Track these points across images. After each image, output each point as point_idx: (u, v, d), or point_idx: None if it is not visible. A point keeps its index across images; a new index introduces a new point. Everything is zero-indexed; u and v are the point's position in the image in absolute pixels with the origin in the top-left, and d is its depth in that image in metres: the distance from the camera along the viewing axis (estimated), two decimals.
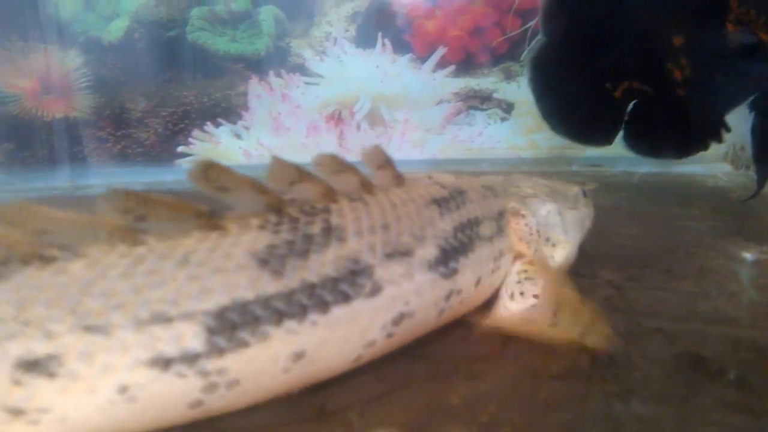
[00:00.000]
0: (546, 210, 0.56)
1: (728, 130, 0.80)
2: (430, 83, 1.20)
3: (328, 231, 0.41)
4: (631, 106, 0.82)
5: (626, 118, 0.84)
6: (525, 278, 0.52)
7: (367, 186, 0.44)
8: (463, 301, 0.47)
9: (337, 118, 1.23)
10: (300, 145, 1.24)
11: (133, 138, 1.24)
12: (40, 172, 1.23)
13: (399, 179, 0.47)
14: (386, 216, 0.44)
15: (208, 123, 1.23)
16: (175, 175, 1.22)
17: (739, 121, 1.12)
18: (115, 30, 1.18)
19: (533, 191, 0.58)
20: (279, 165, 0.40)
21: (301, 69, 1.22)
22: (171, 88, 1.22)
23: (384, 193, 0.45)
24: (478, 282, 0.48)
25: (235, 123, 1.23)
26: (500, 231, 0.51)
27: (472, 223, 0.49)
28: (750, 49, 0.69)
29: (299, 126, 1.23)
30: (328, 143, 1.23)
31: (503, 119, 1.18)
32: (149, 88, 1.22)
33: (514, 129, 1.17)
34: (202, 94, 1.23)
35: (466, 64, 1.19)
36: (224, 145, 1.24)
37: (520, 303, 0.50)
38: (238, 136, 1.24)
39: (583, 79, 0.81)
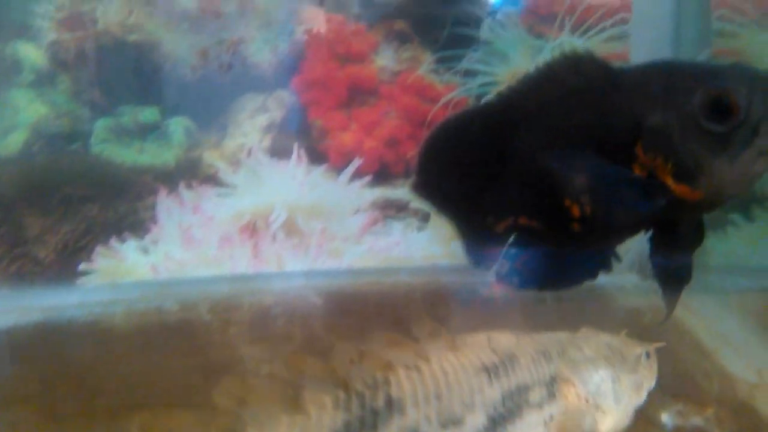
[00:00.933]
0: (599, 377, 0.58)
1: (619, 260, 0.80)
2: (346, 193, 1.19)
3: (390, 404, 0.47)
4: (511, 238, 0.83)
5: (506, 250, 0.84)
6: None
7: (422, 354, 0.50)
8: None
9: (251, 230, 1.20)
10: (212, 258, 1.20)
11: (31, 257, 1.17)
12: None
13: (452, 344, 0.53)
14: (439, 385, 0.49)
15: (113, 238, 1.18)
16: (77, 295, 1.16)
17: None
18: (13, 143, 1.14)
19: (591, 354, 0.59)
20: (341, 348, 0.48)
21: (214, 180, 1.19)
22: (73, 202, 1.17)
23: (438, 361, 0.50)
24: None
25: (142, 237, 1.19)
26: (551, 396, 0.54)
27: (521, 390, 0.53)
28: (654, 192, 0.70)
29: (211, 238, 1.19)
30: (241, 255, 1.20)
31: (420, 228, 1.18)
32: (49, 202, 1.17)
33: (431, 238, 1.17)
34: (106, 208, 1.18)
35: (382, 175, 1.19)
36: (130, 261, 1.18)
37: None
38: (146, 251, 1.19)
39: (461, 214, 0.82)
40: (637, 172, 0.73)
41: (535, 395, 0.54)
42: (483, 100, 1.14)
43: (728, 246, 1.18)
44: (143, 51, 1.13)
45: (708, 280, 1.14)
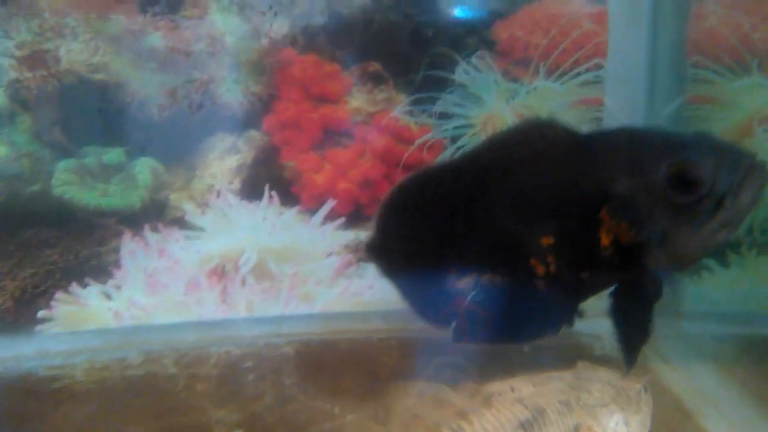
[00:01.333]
0: (614, 422, 0.64)
1: (581, 315, 0.82)
2: (319, 236, 1.17)
3: None
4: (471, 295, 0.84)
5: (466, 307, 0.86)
6: None
7: (463, 415, 0.56)
8: None
9: (220, 273, 1.17)
10: (178, 303, 1.16)
11: None
12: None
13: (486, 400, 0.60)
14: None
15: (74, 283, 1.14)
16: (36, 344, 1.11)
17: None
18: None
19: (602, 397, 0.65)
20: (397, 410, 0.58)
21: (181, 223, 1.16)
22: (32, 246, 1.13)
23: (479, 420, 0.56)
24: None
25: (104, 282, 1.15)
26: None
27: None
28: (619, 255, 0.72)
29: (178, 283, 1.15)
30: (209, 301, 1.16)
31: None
32: (6, 247, 1.12)
33: None
34: (67, 252, 1.14)
35: (355, 217, 1.17)
36: (92, 307, 1.14)
37: None
38: (108, 297, 1.15)
39: (421, 273, 0.84)
40: (603, 236, 0.74)
41: None
42: (454, 150, 1.15)
43: (703, 292, 1.19)
44: (109, 90, 1.10)
45: (683, 326, 1.15)
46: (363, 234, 1.16)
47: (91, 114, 1.12)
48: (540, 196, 0.77)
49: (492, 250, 0.81)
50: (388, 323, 1.14)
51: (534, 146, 0.77)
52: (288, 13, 1.12)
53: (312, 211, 1.17)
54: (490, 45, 1.12)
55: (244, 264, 1.16)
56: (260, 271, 1.16)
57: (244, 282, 1.16)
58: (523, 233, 0.79)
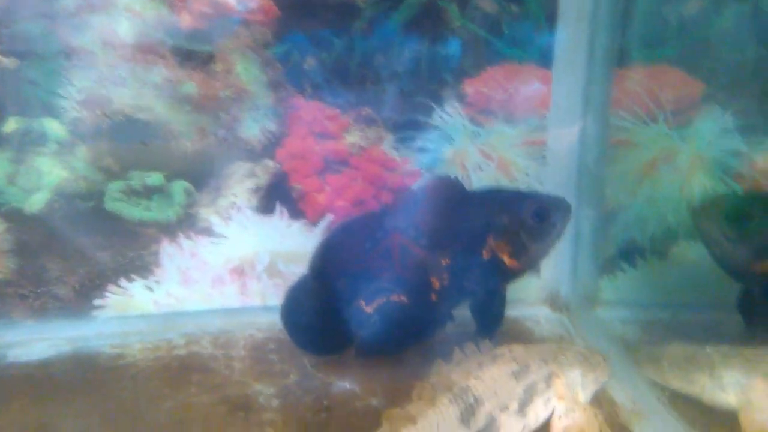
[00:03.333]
0: (574, 374, 0.98)
1: (453, 320, 1.21)
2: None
3: (476, 399, 0.86)
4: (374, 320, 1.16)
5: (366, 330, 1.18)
6: (564, 407, 0.95)
7: (470, 373, 0.89)
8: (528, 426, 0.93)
9: (240, 271, 1.50)
10: (206, 295, 1.49)
11: (52, 294, 1.44)
12: None
13: (493, 358, 0.94)
14: (494, 386, 0.88)
15: (123, 279, 1.46)
16: (94, 326, 1.43)
17: (553, 265, 1.53)
18: (37, 201, 1.39)
19: (571, 358, 1.00)
20: (438, 372, 0.90)
21: (209, 231, 1.48)
22: (88, 249, 1.44)
23: (488, 371, 0.89)
24: (536, 415, 0.93)
25: (147, 278, 1.47)
26: (548, 386, 0.94)
27: (533, 384, 0.92)
28: (497, 270, 1.12)
29: (205, 279, 1.48)
30: (231, 293, 1.50)
31: None
32: (68, 250, 1.43)
33: None
34: (117, 254, 1.45)
35: None
36: (137, 298, 1.46)
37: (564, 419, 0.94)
38: (150, 289, 1.47)
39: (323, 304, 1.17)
40: (486, 253, 1.13)
41: (541, 386, 0.94)
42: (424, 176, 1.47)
43: (616, 285, 1.57)
44: (151, 127, 1.40)
45: (599, 314, 1.54)
46: None
47: (137, 146, 1.41)
48: (443, 230, 1.16)
49: (401, 274, 1.17)
50: None
51: (441, 196, 1.16)
52: (299, 68, 1.42)
53: (314, 223, 1.49)
54: (460, 97, 1.45)
55: (259, 264, 1.49)
56: (272, 270, 1.49)
57: (259, 278, 1.49)
58: (427, 258, 1.16)
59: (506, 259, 1.14)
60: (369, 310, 1.15)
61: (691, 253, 1.49)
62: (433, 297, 1.15)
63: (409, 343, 1.20)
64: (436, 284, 1.17)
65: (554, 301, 1.56)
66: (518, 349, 1.01)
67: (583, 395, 1.01)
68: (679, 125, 1.46)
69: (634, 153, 1.49)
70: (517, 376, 0.94)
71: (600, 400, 1.10)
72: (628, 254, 1.54)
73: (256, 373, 1.23)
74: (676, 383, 1.11)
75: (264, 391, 1.16)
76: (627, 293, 1.56)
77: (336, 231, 1.24)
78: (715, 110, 1.46)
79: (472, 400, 0.88)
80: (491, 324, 1.20)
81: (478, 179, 1.46)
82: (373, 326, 1.15)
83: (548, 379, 0.97)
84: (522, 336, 1.42)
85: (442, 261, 1.15)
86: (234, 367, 1.26)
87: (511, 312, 1.48)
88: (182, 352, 1.34)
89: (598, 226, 1.53)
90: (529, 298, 1.55)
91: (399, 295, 1.15)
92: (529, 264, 1.20)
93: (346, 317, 1.15)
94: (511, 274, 1.17)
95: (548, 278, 1.56)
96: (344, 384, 1.17)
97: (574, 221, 1.46)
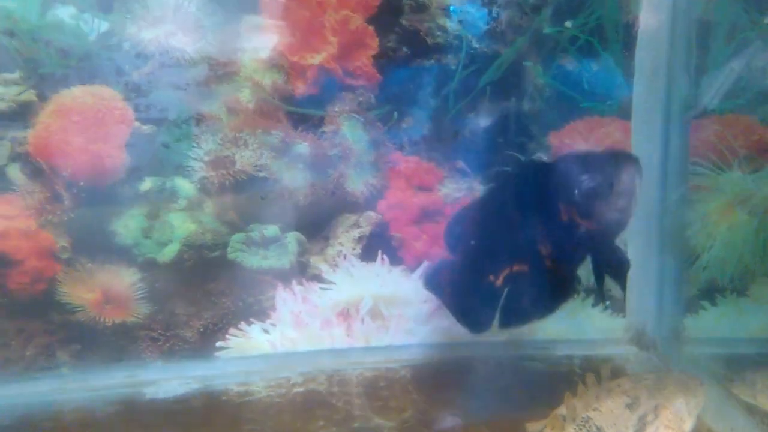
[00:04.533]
0: (679, 402, 1.08)
1: (580, 282, 1.28)
2: (418, 287, 1.64)
3: (597, 428, 0.98)
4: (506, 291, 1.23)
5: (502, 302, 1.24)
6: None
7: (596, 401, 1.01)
8: None
9: (345, 314, 1.65)
10: (316, 337, 1.64)
11: (180, 336, 1.61)
12: (102, 368, 1.57)
13: (608, 391, 1.04)
14: (612, 416, 0.99)
15: (242, 322, 1.62)
16: (218, 366, 1.59)
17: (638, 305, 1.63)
18: (169, 253, 1.57)
19: (673, 387, 1.10)
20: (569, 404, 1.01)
21: (318, 278, 1.64)
22: (212, 295, 1.61)
23: (606, 403, 1.00)
24: None
25: (264, 321, 1.63)
26: (657, 416, 1.04)
27: (643, 415, 1.03)
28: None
29: (315, 322, 1.63)
30: (338, 334, 1.65)
31: None
32: (194, 296, 1.61)
33: None
34: (237, 299, 1.62)
35: None
36: (255, 339, 1.62)
37: None
38: (266, 332, 1.63)
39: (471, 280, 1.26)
40: (564, 216, 1.15)
41: (650, 417, 1.04)
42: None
43: (700, 323, 1.66)
44: (269, 184, 1.58)
45: (686, 350, 1.63)
46: None
47: (256, 201, 1.60)
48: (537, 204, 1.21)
49: (512, 247, 1.22)
50: (472, 351, 1.61)
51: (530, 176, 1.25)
52: (398, 127, 1.59)
53: (412, 269, 1.64)
54: (545, 149, 1.59)
55: (362, 307, 1.64)
56: (374, 313, 1.63)
57: (363, 321, 1.64)
58: (530, 231, 1.20)
59: (584, 223, 1.17)
60: (498, 283, 1.24)
61: None
62: (548, 263, 1.21)
63: (544, 308, 1.27)
64: (544, 251, 1.21)
65: (641, 340, 1.65)
66: (626, 383, 1.11)
67: (689, 423, 1.12)
68: (752, 170, 1.56)
69: (711, 198, 1.59)
70: (630, 407, 1.05)
71: (699, 430, 1.20)
72: (709, 293, 1.63)
73: (374, 408, 1.35)
74: None
75: (386, 424, 1.29)
76: (710, 330, 1.64)
77: (461, 210, 1.34)
78: None
79: (594, 430, 1.00)
80: (617, 274, 1.23)
81: None
82: (506, 298, 1.22)
83: (656, 410, 1.07)
84: (615, 373, 1.51)
85: (540, 229, 1.21)
86: (353, 402, 1.39)
87: (601, 351, 1.58)
88: (301, 389, 1.47)
89: (681, 267, 1.63)
90: (616, 337, 1.65)
91: (520, 264, 1.22)
92: (610, 224, 1.19)
93: (481, 293, 1.24)
94: (603, 231, 1.19)
95: (634, 318, 1.66)
96: (457, 418, 1.30)
97: (658, 262, 1.56)
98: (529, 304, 1.25)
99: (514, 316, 1.26)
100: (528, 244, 1.20)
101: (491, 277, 1.23)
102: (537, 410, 1.17)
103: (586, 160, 1.19)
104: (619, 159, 1.17)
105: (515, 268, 1.22)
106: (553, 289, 1.25)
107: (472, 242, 1.28)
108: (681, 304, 1.66)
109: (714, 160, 1.57)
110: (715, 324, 1.64)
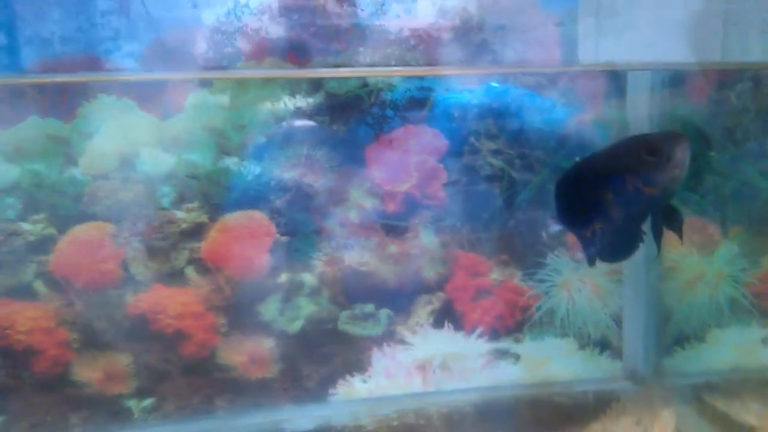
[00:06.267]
0: (664, 414, 1.44)
1: (644, 232, 1.54)
2: (475, 345, 2.30)
3: None
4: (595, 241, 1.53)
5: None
6: None
7: None
8: None
9: (423, 368, 2.28)
10: (402, 385, 2.27)
11: (303, 386, 2.22)
12: (249, 412, 2.19)
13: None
14: None
15: (347, 375, 2.24)
16: (331, 408, 2.21)
17: (632, 349, 2.32)
18: (296, 326, 2.19)
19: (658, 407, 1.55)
20: None
21: (402, 342, 2.27)
22: (327, 356, 2.24)
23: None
24: None
25: (363, 374, 2.24)
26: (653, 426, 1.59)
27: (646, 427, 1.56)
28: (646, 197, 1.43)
29: (401, 373, 2.25)
30: (417, 382, 2.28)
31: (514, 362, 2.30)
32: (314, 357, 2.23)
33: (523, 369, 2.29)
34: (344, 358, 2.25)
35: (492, 336, 2.30)
36: (356, 387, 2.24)
37: None
38: (365, 382, 2.25)
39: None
40: (630, 186, 1.39)
41: (648, 428, 1.56)
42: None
43: (676, 362, 2.34)
44: (368, 276, 2.23)
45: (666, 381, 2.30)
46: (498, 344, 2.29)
47: (358, 288, 2.24)
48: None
49: (594, 210, 1.47)
50: (515, 390, 2.27)
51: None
52: (459, 232, 2.25)
53: (470, 333, 2.28)
54: (564, 245, 2.27)
55: (435, 362, 2.26)
56: (443, 366, 2.25)
57: (434, 372, 2.26)
58: (603, 197, 1.44)
59: (647, 189, 1.39)
60: (588, 235, 1.55)
61: (724, 335, 2.26)
62: (620, 222, 1.48)
63: (623, 254, 1.61)
64: (616, 213, 1.49)
65: (634, 377, 2.31)
66: (630, 407, 1.78)
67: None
68: (706, 255, 2.27)
69: (678, 275, 2.28)
70: (638, 423, 1.70)
71: None
72: (680, 340, 2.28)
73: None
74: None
75: None
76: (683, 367, 2.29)
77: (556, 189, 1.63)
78: (728, 243, 2.28)
79: None
80: (674, 226, 1.46)
81: (580, 299, 2.26)
82: (595, 246, 1.53)
83: (652, 423, 1.74)
84: (612, 404, 2.17)
85: (607, 195, 1.47)
86: (438, 428, 2.03)
87: (606, 387, 2.25)
88: (396, 422, 2.10)
89: (660, 321, 2.32)
90: (616, 376, 2.33)
91: (601, 223, 1.50)
92: (667, 189, 1.40)
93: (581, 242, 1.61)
94: (658, 199, 1.41)
95: (628, 361, 2.34)
96: None
97: (644, 319, 2.25)
98: (612, 251, 1.58)
99: (605, 257, 1.62)
100: (605, 208, 1.47)
101: (584, 231, 1.56)
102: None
103: (646, 140, 1.44)
104: (673, 137, 1.38)
105: (597, 225, 1.51)
106: (626, 240, 1.56)
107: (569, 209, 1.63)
108: (661, 349, 2.29)
109: (680, 249, 2.28)
110: (686, 362, 2.32)
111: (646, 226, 1.49)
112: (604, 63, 1.98)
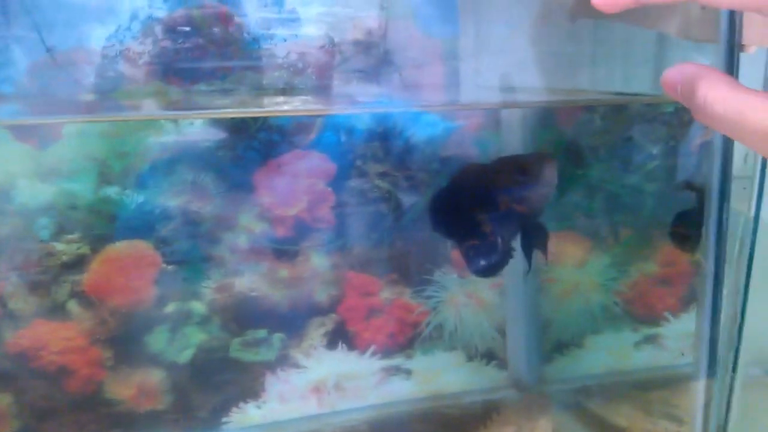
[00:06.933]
0: (543, 421, 1.51)
1: (514, 249, 1.67)
2: (368, 364, 2.34)
3: None
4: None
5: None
6: None
7: None
8: None
9: (317, 390, 2.31)
10: (296, 408, 2.29)
11: (195, 416, 2.19)
12: None
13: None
14: None
15: (240, 402, 2.24)
16: None
17: (515, 359, 2.45)
18: (186, 355, 2.17)
19: (536, 413, 1.60)
20: None
21: (296, 365, 2.28)
22: (219, 384, 2.22)
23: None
24: None
25: (256, 400, 2.25)
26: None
27: None
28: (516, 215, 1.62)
29: (295, 397, 2.28)
30: (312, 405, 2.30)
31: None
32: (205, 387, 2.21)
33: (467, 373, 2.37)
34: (236, 385, 2.24)
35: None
36: (250, 413, 2.24)
37: None
38: (259, 408, 2.25)
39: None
40: (503, 206, 1.49)
41: None
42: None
43: (555, 369, 2.49)
44: (259, 301, 2.23)
45: (548, 388, 2.44)
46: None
47: (251, 313, 2.24)
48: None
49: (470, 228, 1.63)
50: (410, 405, 2.34)
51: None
52: (349, 254, 2.31)
53: (363, 352, 2.33)
54: (451, 261, 2.37)
55: (329, 383, 2.30)
56: (338, 387, 2.31)
57: (329, 393, 2.30)
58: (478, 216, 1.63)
59: (517, 207, 1.53)
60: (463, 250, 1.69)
61: (599, 341, 2.45)
62: (491, 238, 1.61)
63: (491, 269, 1.67)
64: (488, 230, 1.63)
65: (519, 385, 2.43)
66: (511, 416, 1.89)
67: None
68: (580, 266, 2.45)
69: (557, 286, 2.45)
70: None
71: None
72: (559, 348, 2.47)
73: None
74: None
75: None
76: (562, 373, 2.47)
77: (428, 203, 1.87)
78: (601, 254, 2.46)
79: None
80: (540, 243, 1.63)
81: (466, 312, 2.37)
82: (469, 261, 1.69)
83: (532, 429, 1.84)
84: (495, 413, 2.29)
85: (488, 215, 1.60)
86: None
87: (494, 396, 2.37)
88: None
89: (540, 330, 2.47)
90: (502, 385, 2.45)
91: (473, 240, 1.65)
92: (535, 207, 1.54)
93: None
94: (527, 216, 1.54)
95: (513, 370, 2.46)
96: None
97: (525, 330, 2.39)
98: (485, 265, 1.66)
99: (479, 272, 1.69)
100: (477, 226, 1.61)
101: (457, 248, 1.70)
102: None
103: (518, 161, 1.54)
104: (541, 158, 1.49)
105: (470, 242, 1.66)
106: (497, 256, 1.65)
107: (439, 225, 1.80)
108: (543, 356, 2.48)
109: (554, 262, 2.42)
110: (564, 368, 2.48)
111: (516, 242, 1.63)
112: (483, 102, 2.10)
